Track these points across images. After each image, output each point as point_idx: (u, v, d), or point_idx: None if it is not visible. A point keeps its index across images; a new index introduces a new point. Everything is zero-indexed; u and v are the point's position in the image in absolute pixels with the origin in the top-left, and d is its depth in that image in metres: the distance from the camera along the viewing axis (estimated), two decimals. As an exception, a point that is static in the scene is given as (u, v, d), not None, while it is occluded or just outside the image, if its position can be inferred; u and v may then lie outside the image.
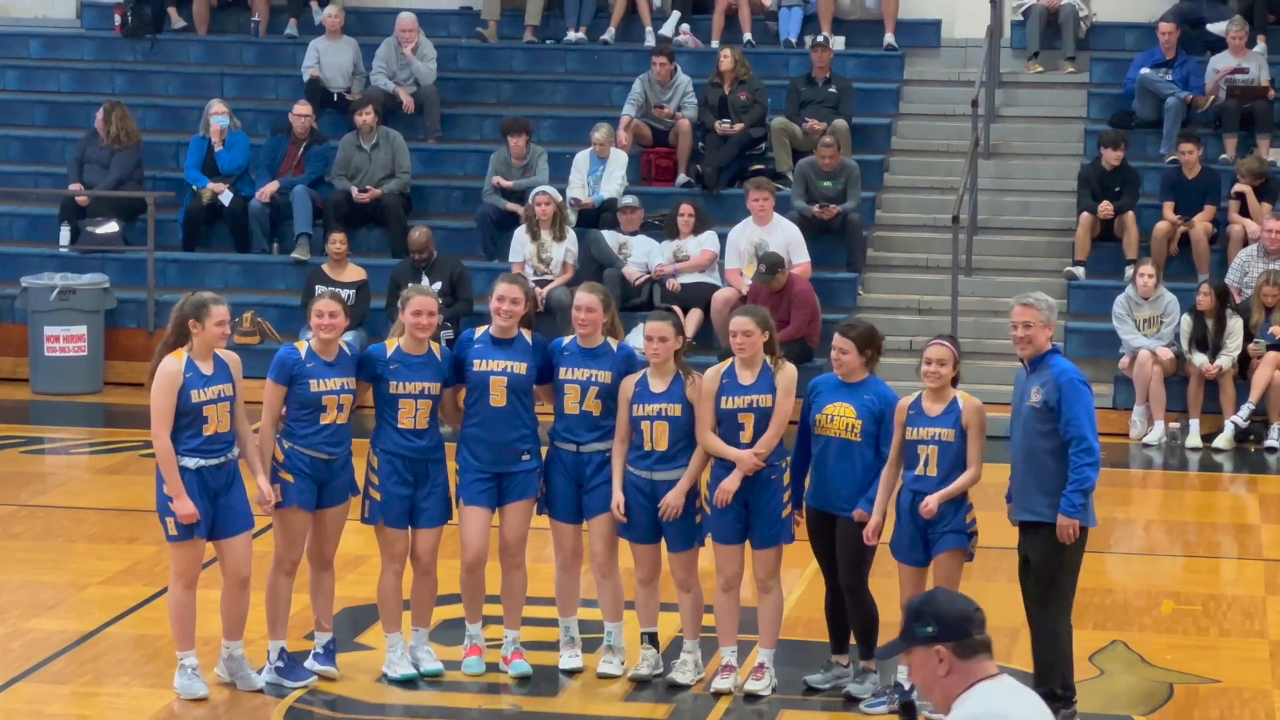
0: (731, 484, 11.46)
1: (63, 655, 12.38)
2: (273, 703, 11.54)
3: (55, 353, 21.18)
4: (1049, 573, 10.97)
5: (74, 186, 22.39)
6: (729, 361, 11.73)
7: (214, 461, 11.38)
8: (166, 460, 11.31)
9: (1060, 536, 10.83)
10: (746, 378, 11.60)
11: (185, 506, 11.26)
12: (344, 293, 15.44)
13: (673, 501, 11.59)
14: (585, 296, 11.87)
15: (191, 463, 11.33)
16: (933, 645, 6.04)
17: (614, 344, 11.90)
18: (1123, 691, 12.03)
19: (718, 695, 11.69)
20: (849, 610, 11.63)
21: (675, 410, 11.63)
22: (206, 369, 11.38)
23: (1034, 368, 11.05)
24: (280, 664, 11.80)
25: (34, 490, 17.02)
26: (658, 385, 11.68)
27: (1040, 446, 10.93)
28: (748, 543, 11.70)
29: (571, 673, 12.05)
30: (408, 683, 11.87)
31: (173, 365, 11.36)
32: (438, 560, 12.01)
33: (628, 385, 11.69)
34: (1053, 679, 11.03)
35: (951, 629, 6.04)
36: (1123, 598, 14.14)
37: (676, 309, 18.94)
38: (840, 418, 11.43)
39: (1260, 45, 23.42)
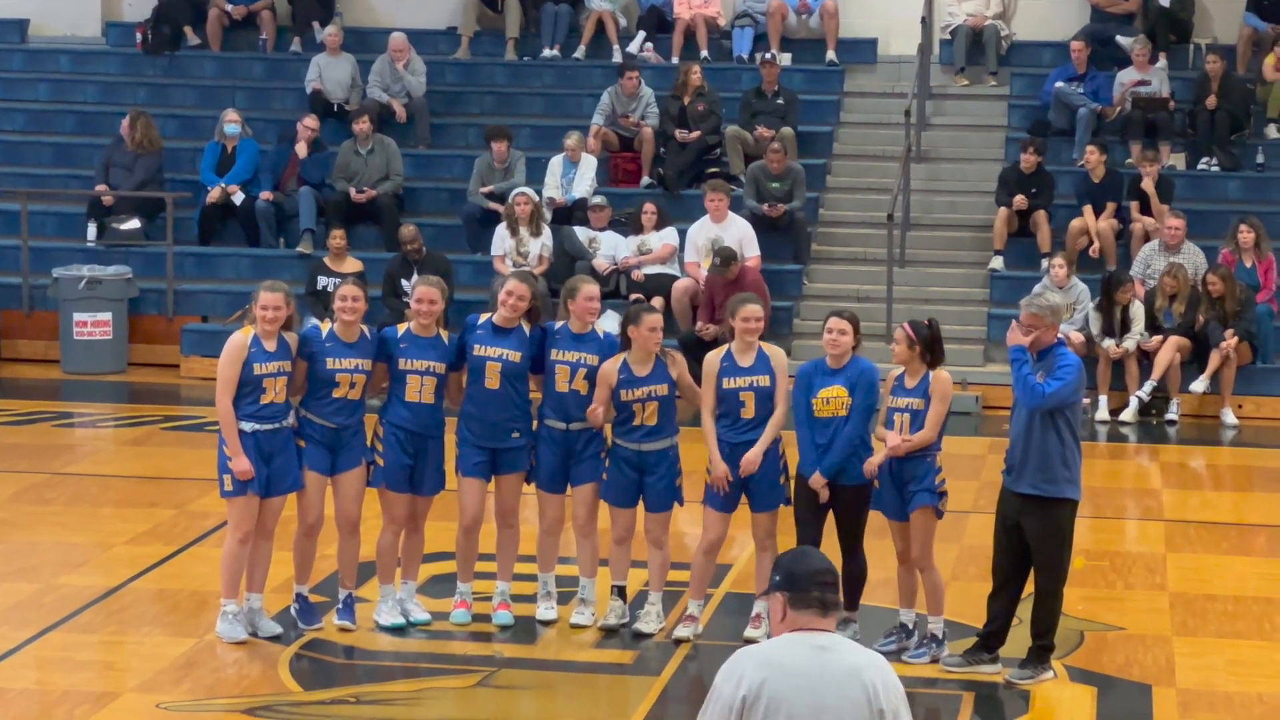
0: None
1: (91, 608, 12.35)
2: (280, 650, 11.52)
3: (83, 336, 21.12)
4: (1049, 544, 11.04)
5: (100, 188, 22.31)
6: (726, 346, 11.71)
7: (268, 427, 11.42)
8: (227, 422, 11.36)
9: (1008, 339, 10.98)
10: (746, 360, 11.59)
11: (242, 464, 11.29)
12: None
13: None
14: (589, 288, 11.91)
15: (248, 426, 11.37)
16: (775, 593, 6.13)
17: (600, 331, 11.90)
18: (1039, 638, 12.06)
19: (678, 642, 11.71)
20: (843, 566, 11.48)
21: (663, 390, 11.65)
22: (270, 345, 11.42)
23: (1041, 358, 11.08)
24: (297, 605, 11.89)
25: (64, 460, 16.97)
26: (641, 369, 11.66)
27: (1038, 427, 10.96)
28: (725, 514, 11.68)
29: (547, 623, 12.05)
30: (397, 630, 11.88)
31: (239, 339, 11.44)
32: (436, 524, 12.00)
33: (610, 369, 11.67)
34: (1050, 635, 11.19)
35: (791, 582, 6.09)
36: (1039, 554, 14.16)
37: (657, 302, 19.08)
38: (835, 399, 11.41)
39: (1162, 61, 23.46)
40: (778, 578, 6.14)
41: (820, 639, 6.06)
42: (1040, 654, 11.22)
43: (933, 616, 11.51)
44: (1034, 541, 11.06)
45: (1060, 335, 11.22)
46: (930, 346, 11.39)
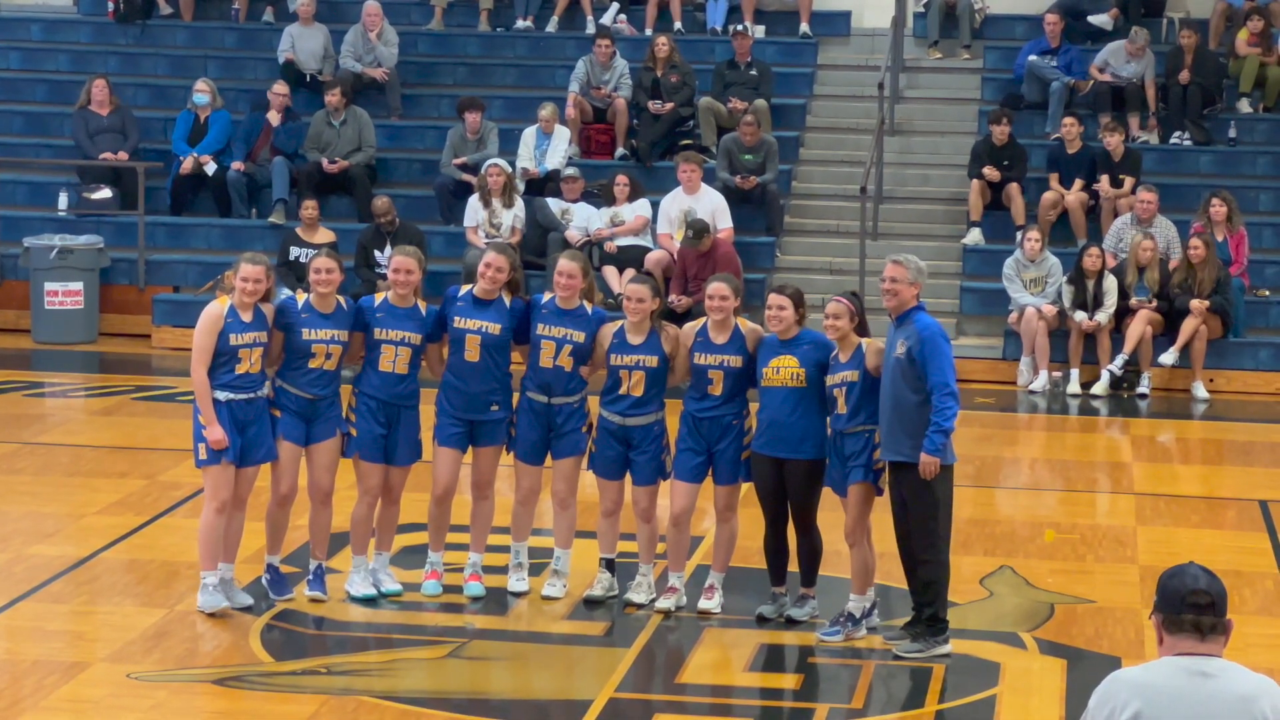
0: None
1: (61, 577, 12.33)
2: (251, 621, 11.50)
3: (54, 306, 21.06)
4: (924, 509, 10.89)
5: (105, 155, 22.07)
6: (703, 321, 11.66)
7: (243, 396, 11.38)
8: (202, 392, 11.33)
9: (922, 473, 10.75)
10: (720, 338, 11.55)
11: (216, 432, 11.27)
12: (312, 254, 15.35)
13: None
14: (567, 264, 11.78)
15: (223, 396, 11.34)
16: (1153, 615, 5.95)
17: (589, 307, 11.83)
18: (1010, 611, 12.09)
19: (665, 613, 11.69)
20: (798, 543, 11.53)
21: (652, 361, 11.60)
22: (246, 316, 11.40)
23: (899, 323, 11.00)
24: (269, 576, 11.86)
25: (35, 430, 16.93)
26: (635, 339, 11.63)
27: (905, 394, 10.86)
28: (691, 484, 11.64)
29: (519, 595, 12.04)
30: (368, 601, 11.86)
31: (215, 309, 11.42)
32: (408, 495, 11.99)
33: (606, 333, 11.67)
34: (937, 604, 11.03)
35: (1165, 603, 5.88)
36: (1010, 527, 14.20)
37: (654, 274, 19.03)
38: (785, 369, 11.32)
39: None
40: (1156, 599, 5.92)
41: (1203, 664, 5.78)
42: (931, 626, 11.05)
43: (855, 595, 11.36)
44: (908, 507, 10.90)
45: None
46: (863, 317, 11.33)
